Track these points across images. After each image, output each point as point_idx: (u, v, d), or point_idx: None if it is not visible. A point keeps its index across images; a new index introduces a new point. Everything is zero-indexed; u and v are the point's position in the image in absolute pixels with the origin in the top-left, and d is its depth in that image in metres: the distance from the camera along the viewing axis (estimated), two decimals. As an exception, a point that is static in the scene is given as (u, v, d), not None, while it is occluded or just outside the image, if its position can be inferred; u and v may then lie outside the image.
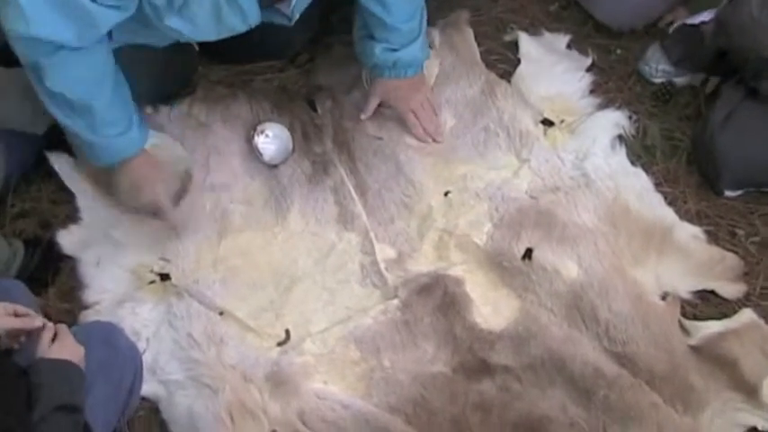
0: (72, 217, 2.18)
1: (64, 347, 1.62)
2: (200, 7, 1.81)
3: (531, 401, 1.88)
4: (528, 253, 2.06)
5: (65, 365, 1.59)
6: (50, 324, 1.66)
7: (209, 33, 1.91)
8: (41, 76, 1.82)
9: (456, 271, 2.06)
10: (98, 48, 1.85)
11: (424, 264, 2.09)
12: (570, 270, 2.04)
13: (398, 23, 2.12)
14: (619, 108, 2.30)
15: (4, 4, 1.72)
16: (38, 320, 1.66)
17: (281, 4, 1.92)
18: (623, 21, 2.45)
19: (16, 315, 1.65)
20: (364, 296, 2.06)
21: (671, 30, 2.37)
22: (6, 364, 1.61)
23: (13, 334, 1.64)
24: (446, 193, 2.19)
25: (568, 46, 2.45)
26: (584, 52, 2.44)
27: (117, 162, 2.00)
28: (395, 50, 2.17)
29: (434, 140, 2.28)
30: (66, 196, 2.20)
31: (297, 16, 2.00)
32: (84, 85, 1.86)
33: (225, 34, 1.92)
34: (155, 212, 2.06)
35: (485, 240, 2.11)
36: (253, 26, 1.91)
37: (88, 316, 2.02)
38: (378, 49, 2.17)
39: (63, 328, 1.67)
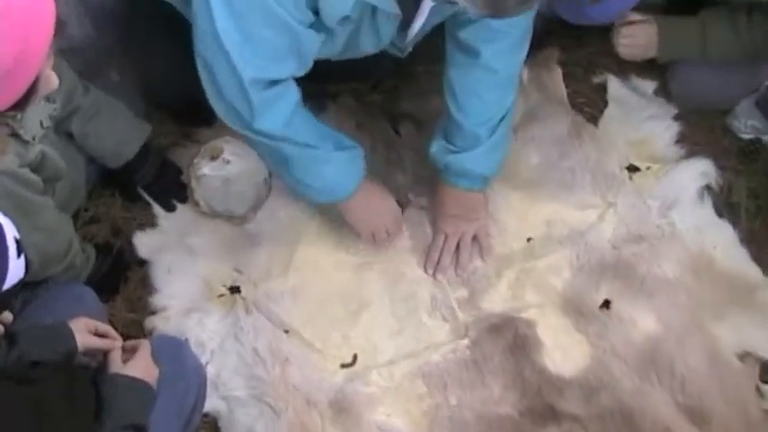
0: (148, 222, 2.16)
1: (140, 366, 1.60)
2: (343, 28, 1.69)
3: (597, 453, 1.83)
4: (606, 303, 2.02)
5: (139, 384, 1.57)
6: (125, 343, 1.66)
7: (334, 52, 1.78)
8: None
9: (529, 313, 2.02)
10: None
11: (497, 302, 2.05)
12: (648, 322, 1.99)
13: (463, 119, 1.91)
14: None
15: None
16: (117, 342, 1.65)
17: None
18: (693, 103, 2.35)
19: (97, 333, 1.64)
20: (434, 328, 2.02)
21: (765, 86, 2.30)
22: (79, 372, 1.59)
23: (92, 352, 1.63)
24: (528, 239, 2.13)
25: (655, 93, 2.39)
26: (670, 100, 2.36)
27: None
28: (451, 152, 1.96)
29: (434, 277, 2.07)
30: (140, 202, 2.18)
31: (410, 49, 1.90)
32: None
33: (348, 55, 1.81)
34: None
35: (562, 285, 2.07)
36: (379, 50, 1.82)
37: (154, 322, 2.01)
38: (435, 144, 1.99)
39: (145, 345, 1.65)
